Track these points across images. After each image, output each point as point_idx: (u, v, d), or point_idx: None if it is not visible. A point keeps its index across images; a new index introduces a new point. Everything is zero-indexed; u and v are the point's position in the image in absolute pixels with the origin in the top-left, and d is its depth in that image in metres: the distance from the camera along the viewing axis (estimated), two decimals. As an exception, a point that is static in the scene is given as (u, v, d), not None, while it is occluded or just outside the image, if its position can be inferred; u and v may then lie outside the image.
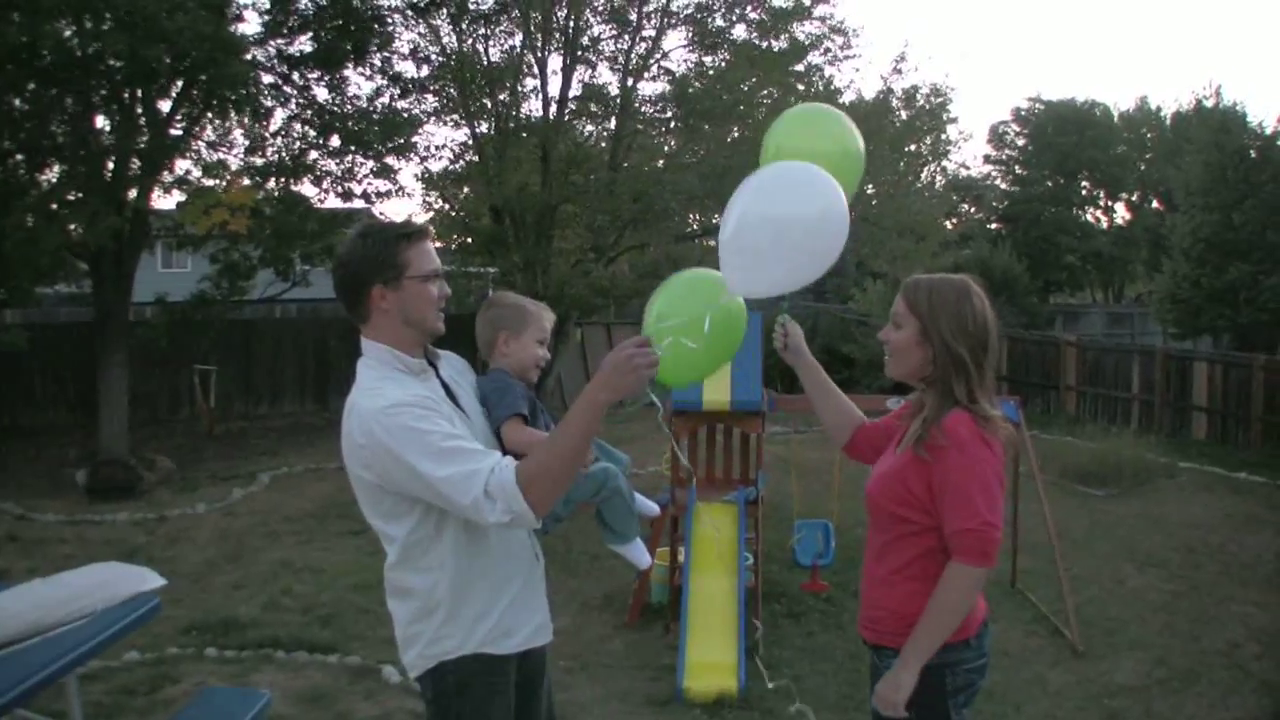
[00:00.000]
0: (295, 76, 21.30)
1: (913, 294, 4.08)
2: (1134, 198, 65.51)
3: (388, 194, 22.70)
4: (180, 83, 18.76)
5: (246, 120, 20.82)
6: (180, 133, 19.83)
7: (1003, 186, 62.91)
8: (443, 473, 3.53)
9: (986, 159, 63.89)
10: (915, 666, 3.91)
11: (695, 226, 28.86)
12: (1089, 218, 63.96)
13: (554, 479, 3.56)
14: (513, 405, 4.17)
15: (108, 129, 19.01)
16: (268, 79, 20.92)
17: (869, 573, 4.23)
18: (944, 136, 31.10)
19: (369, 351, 3.91)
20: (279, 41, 20.91)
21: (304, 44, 21.19)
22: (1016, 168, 62.82)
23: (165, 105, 19.37)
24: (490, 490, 3.51)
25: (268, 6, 20.64)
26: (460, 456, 3.57)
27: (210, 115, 20.34)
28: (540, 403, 4.42)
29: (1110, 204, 65.99)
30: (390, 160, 22.35)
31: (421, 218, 29.41)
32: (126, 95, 18.52)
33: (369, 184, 22.31)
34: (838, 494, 12.39)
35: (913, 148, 30.15)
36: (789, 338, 4.49)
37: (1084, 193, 63.42)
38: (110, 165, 18.64)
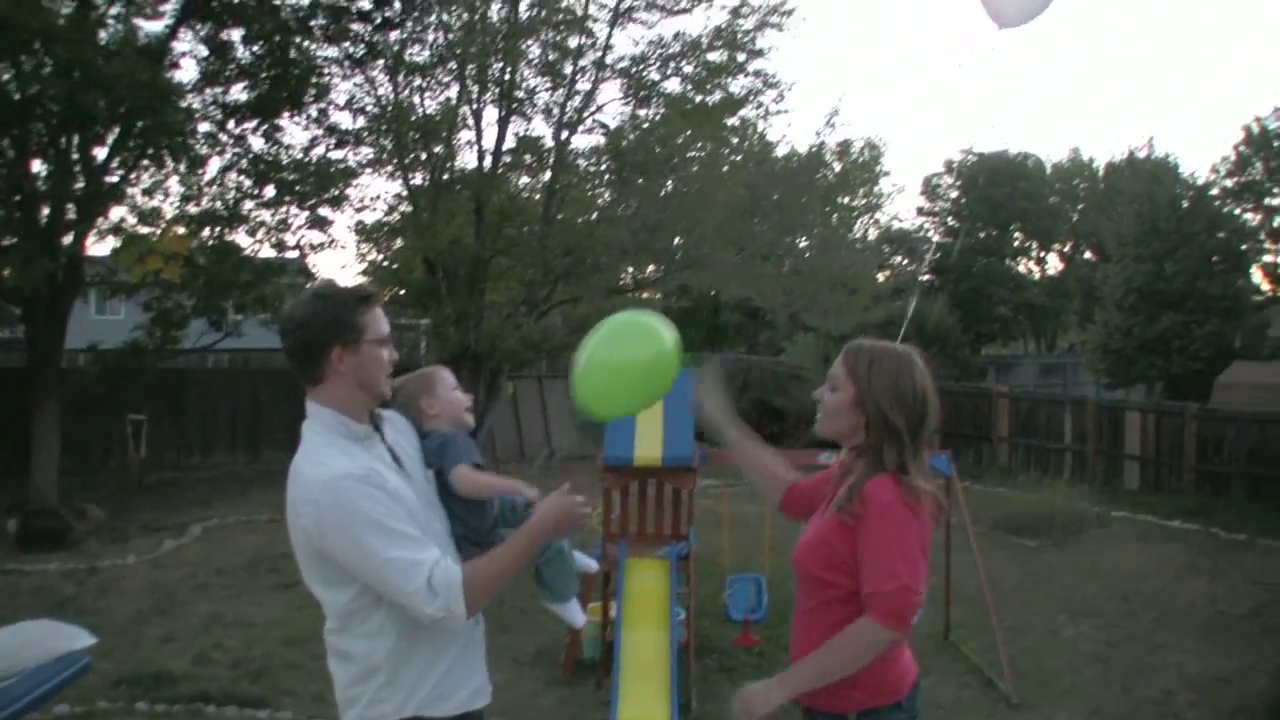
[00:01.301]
0: (231, 125, 21.27)
1: (853, 359, 4.06)
2: (1066, 248, 66.16)
3: (322, 245, 22.68)
4: (117, 129, 18.68)
5: (182, 168, 20.72)
6: (116, 179, 19.72)
7: (935, 238, 63.35)
8: (390, 554, 3.54)
9: (920, 211, 64.41)
10: (789, 691, 3.92)
11: (628, 280, 28.86)
12: (1021, 268, 64.49)
13: (491, 592, 3.73)
14: (458, 456, 4.16)
15: (44, 174, 18.93)
16: (204, 127, 20.91)
17: (798, 637, 4.15)
18: (877, 189, 31.30)
19: (315, 415, 3.86)
20: (215, 90, 20.91)
21: (240, 92, 21.21)
22: (949, 219, 63.28)
23: (101, 151, 19.27)
24: (434, 584, 3.55)
25: (205, 54, 20.64)
26: (407, 542, 3.58)
27: (146, 162, 20.23)
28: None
29: (1043, 255, 66.60)
30: (324, 211, 22.35)
31: (355, 269, 29.39)
32: (63, 140, 18.45)
33: (303, 235, 22.30)
34: (769, 548, 12.36)
35: (845, 200, 30.28)
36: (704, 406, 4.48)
37: (1016, 244, 63.96)
38: (45, 210, 18.56)
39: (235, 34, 20.75)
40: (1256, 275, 48.92)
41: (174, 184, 21.41)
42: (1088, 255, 62.70)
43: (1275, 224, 51.84)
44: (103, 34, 18.74)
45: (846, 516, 3.87)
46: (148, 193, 21.16)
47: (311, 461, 3.71)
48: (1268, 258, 52.25)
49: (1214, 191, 46.45)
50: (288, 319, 3.92)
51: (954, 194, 63.60)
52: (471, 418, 4.49)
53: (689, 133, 24.75)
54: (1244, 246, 41.33)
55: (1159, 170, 41.23)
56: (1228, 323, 34.91)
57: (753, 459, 4.67)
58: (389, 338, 3.92)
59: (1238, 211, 48.84)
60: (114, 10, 19.33)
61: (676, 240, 25.53)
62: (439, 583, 3.55)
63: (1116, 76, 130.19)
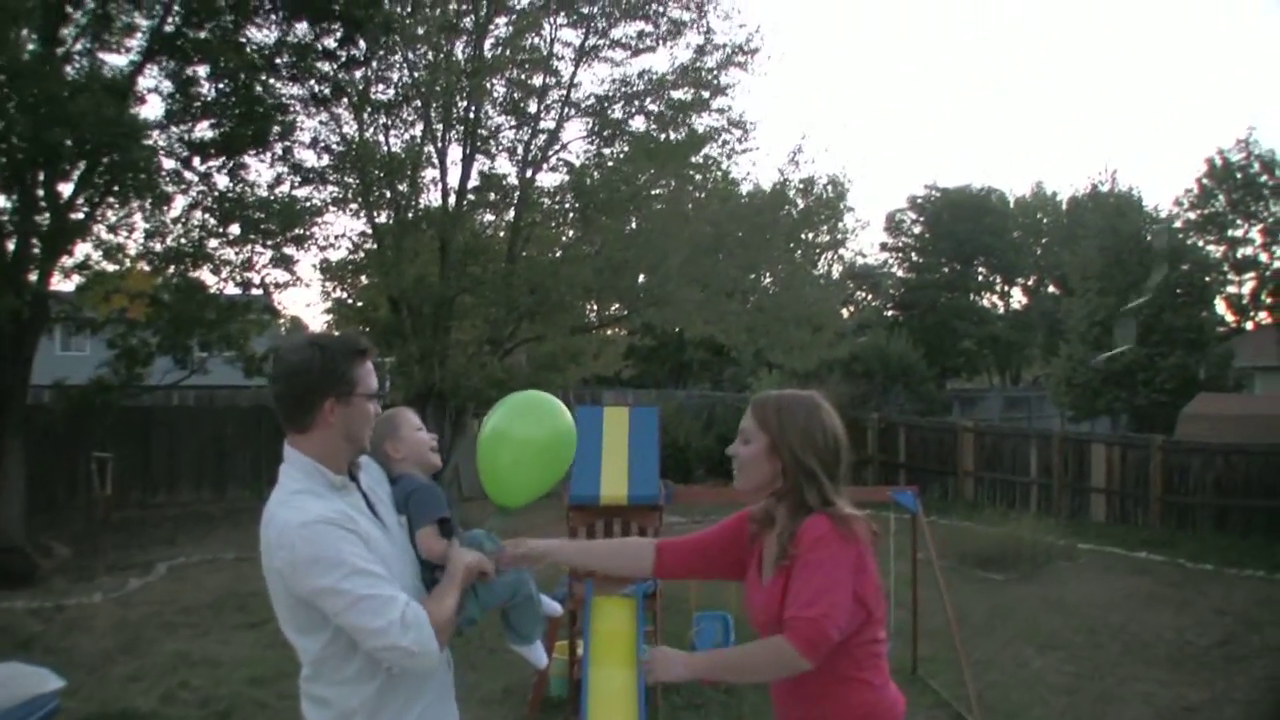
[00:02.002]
0: (196, 162, 21.25)
1: (761, 410, 4.11)
2: (1030, 282, 66.40)
3: (286, 284, 22.68)
4: (83, 165, 18.66)
5: (147, 205, 20.70)
6: (82, 216, 19.69)
7: (899, 273, 63.53)
8: (362, 592, 3.56)
9: (883, 246, 64.64)
10: (696, 672, 4.02)
11: (592, 318, 28.89)
12: (985, 303, 64.72)
13: (450, 627, 3.85)
14: (431, 512, 4.17)
15: (9, 209, 18.87)
16: (169, 164, 20.87)
17: (779, 693, 4.18)
18: (841, 225, 31.31)
19: (293, 462, 3.84)
20: (181, 127, 20.91)
21: (205, 130, 21.22)
22: (913, 255, 63.49)
23: (67, 187, 19.22)
24: (407, 619, 3.58)
25: (171, 90, 20.63)
26: (378, 582, 3.61)
27: (112, 199, 20.21)
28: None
29: (1006, 289, 66.85)
30: (289, 250, 22.36)
31: (320, 307, 29.36)
32: (29, 176, 18.37)
33: (267, 273, 22.30)
34: (735, 586, 12.35)
35: (810, 236, 30.31)
36: (527, 558, 4.47)
37: (980, 278, 64.19)
38: (10, 246, 18.53)
39: (201, 70, 20.79)
40: (1220, 306, 49.27)
41: (139, 221, 21.43)
42: (1051, 289, 62.93)
43: (1238, 255, 52.23)
44: (69, 69, 18.75)
45: (785, 561, 3.90)
46: (113, 229, 21.14)
47: (286, 506, 3.70)
48: (1231, 289, 52.66)
49: (1177, 224, 46.79)
50: (280, 365, 3.94)
51: (917, 229, 63.81)
52: (437, 457, 4.50)
53: (653, 171, 24.79)
54: (1207, 278, 41.53)
55: (1122, 204, 41.35)
56: (1192, 354, 35.06)
57: (591, 552, 4.71)
58: (377, 392, 3.96)
59: (1201, 243, 49.18)
60: (79, 45, 19.37)
61: (640, 278, 25.55)
62: (411, 619, 3.58)
63: (1080, 110, 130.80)
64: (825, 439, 4.02)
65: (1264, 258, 52.78)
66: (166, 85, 20.72)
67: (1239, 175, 52.33)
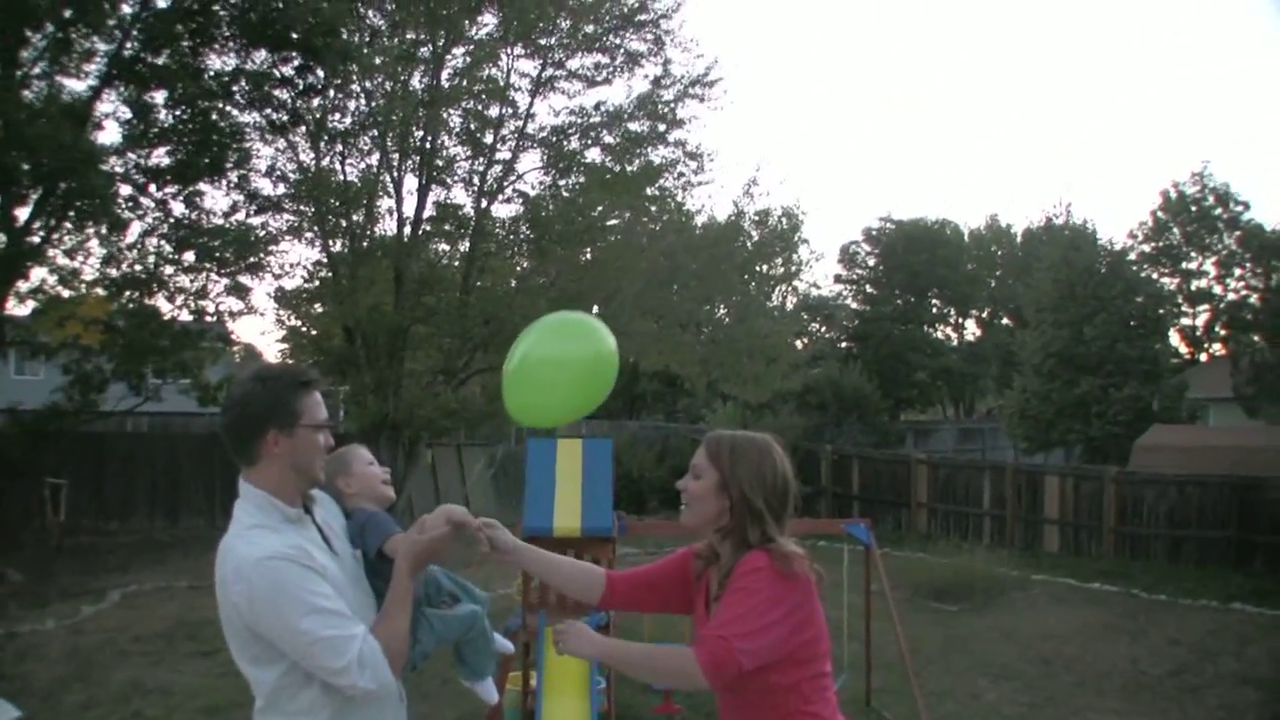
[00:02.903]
0: (153, 189, 21.23)
1: (714, 447, 4.13)
2: (984, 314, 66.63)
3: (241, 313, 22.64)
4: (40, 190, 18.61)
5: (104, 231, 20.67)
6: (38, 240, 19.64)
7: (853, 305, 63.68)
8: (321, 633, 3.55)
9: (837, 278, 64.74)
10: (602, 655, 4.10)
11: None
12: (939, 335, 64.92)
13: (404, 648, 3.85)
14: (381, 531, 4.18)
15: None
16: (125, 190, 20.88)
17: None
18: (795, 257, 31.40)
19: (247, 496, 3.82)
20: (138, 153, 20.86)
21: (162, 157, 21.17)
22: (867, 287, 63.66)
23: (23, 212, 19.20)
24: (363, 658, 3.59)
25: (129, 117, 20.60)
26: (336, 620, 3.60)
27: (68, 224, 20.17)
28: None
29: (960, 321, 67.07)
30: (244, 278, 22.36)
31: (275, 335, 29.28)
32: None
33: (222, 302, 22.27)
34: (689, 618, 12.31)
35: (764, 268, 30.39)
36: (493, 541, 4.45)
37: (934, 310, 64.41)
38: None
39: (159, 96, 20.77)
40: (1175, 338, 49.54)
41: (95, 246, 21.39)
42: (1005, 321, 63.21)
43: (1192, 288, 52.53)
44: (27, 93, 18.72)
45: (725, 594, 3.90)
46: (69, 254, 21.10)
47: (241, 540, 3.68)
48: (1185, 320, 52.95)
49: (1132, 256, 47.06)
50: (227, 398, 3.95)
51: (872, 261, 63.99)
52: (390, 490, 4.49)
53: (608, 202, 24.84)
54: (1161, 310, 41.75)
55: (1077, 236, 41.58)
56: (1146, 386, 35.23)
57: (555, 568, 4.67)
58: (326, 423, 3.94)
59: (1155, 276, 49.46)
60: (38, 69, 19.32)
61: (595, 309, 25.61)
62: (367, 657, 3.59)
63: (1035, 142, 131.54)
64: (775, 480, 4.04)
65: (1218, 290, 53.11)
66: (124, 111, 20.80)
67: (1194, 208, 52.68)
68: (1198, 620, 17.42)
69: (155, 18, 20.15)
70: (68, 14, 18.67)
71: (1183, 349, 52.23)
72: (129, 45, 20.14)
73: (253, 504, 3.79)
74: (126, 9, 20.05)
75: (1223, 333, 51.20)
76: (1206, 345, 53.82)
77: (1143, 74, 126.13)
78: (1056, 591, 19.68)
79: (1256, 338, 37.43)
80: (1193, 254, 53.29)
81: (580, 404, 4.83)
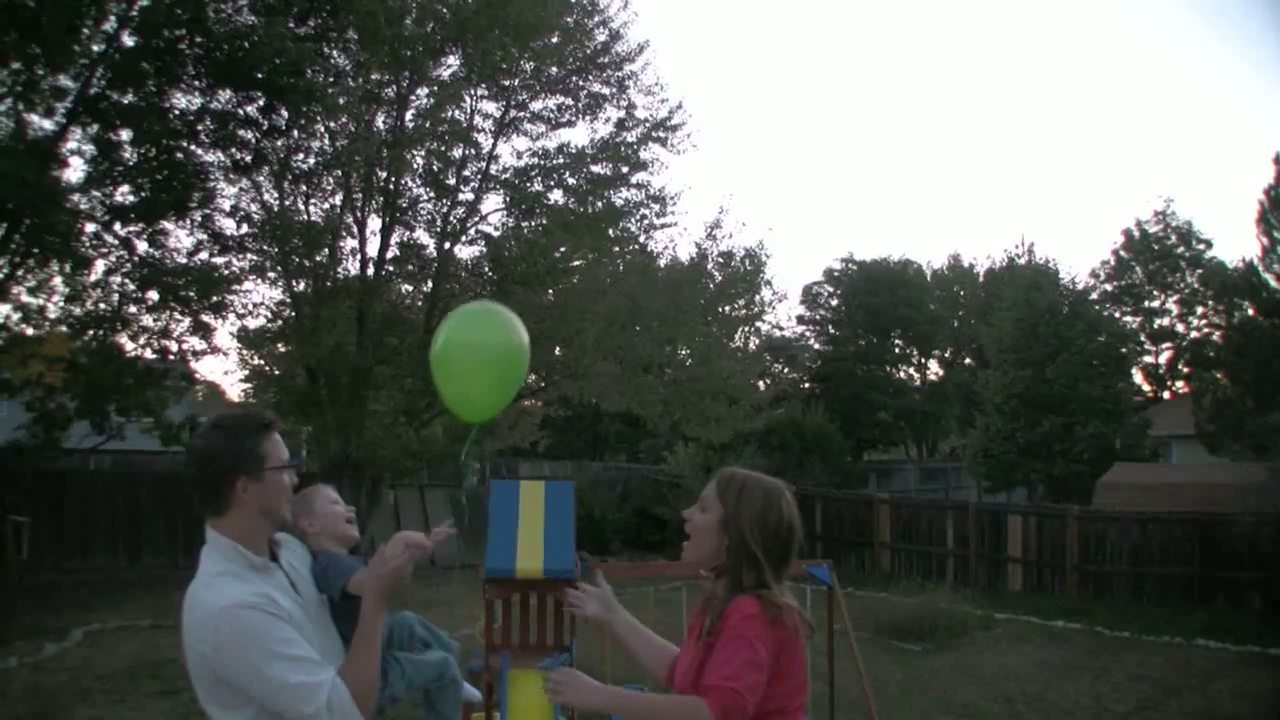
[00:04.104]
0: (117, 227, 21.19)
1: (725, 485, 4.16)
2: (946, 354, 66.81)
3: (204, 352, 22.62)
4: (2, 227, 18.58)
5: (67, 269, 20.65)
6: (1, 277, 19.59)
7: (816, 346, 63.78)
8: (290, 679, 3.56)
9: (800, 319, 64.81)
10: (606, 705, 4.11)
11: (509, 390, 28.92)
12: (902, 375, 65.06)
13: (373, 688, 3.85)
14: (344, 572, 4.21)
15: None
16: (90, 228, 20.81)
17: None
18: (758, 298, 31.48)
19: (214, 544, 3.83)
20: (102, 191, 20.84)
21: (127, 194, 21.14)
22: (830, 327, 63.78)
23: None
24: (332, 704, 3.60)
25: (93, 154, 20.59)
26: (304, 666, 3.61)
27: (31, 262, 20.13)
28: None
29: (923, 361, 67.23)
30: (207, 318, 22.32)
31: (238, 375, 29.23)
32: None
33: (185, 341, 22.22)
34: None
35: (726, 309, 30.47)
36: (595, 599, 4.47)
37: (897, 350, 64.56)
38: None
39: (124, 134, 20.75)
40: (1137, 377, 49.81)
41: (59, 284, 21.37)
42: (967, 361, 63.37)
43: (1154, 326, 52.85)
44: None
45: (709, 638, 3.92)
46: (32, 292, 21.09)
47: (208, 589, 3.69)
48: (1148, 359, 53.25)
49: (1094, 296, 47.33)
50: (189, 452, 3.95)
51: (834, 302, 64.12)
52: (354, 529, 4.50)
53: (570, 244, 24.89)
54: (1124, 349, 41.95)
55: (1039, 276, 41.89)
56: (1109, 424, 35.35)
57: (645, 636, 4.70)
58: (290, 463, 3.95)
59: (1117, 315, 49.74)
60: (3, 106, 19.31)
61: (557, 350, 25.63)
62: (336, 702, 3.60)
63: (998, 181, 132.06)
64: (779, 528, 4.06)
65: (1180, 328, 53.46)
66: (89, 148, 20.73)
67: (1156, 247, 53.05)
68: (1161, 657, 17.51)
69: (122, 56, 20.17)
70: (34, 50, 18.67)
71: (1145, 387, 52.50)
72: (95, 83, 20.15)
73: (219, 552, 3.80)
74: (94, 47, 20.07)
75: (1185, 371, 51.48)
76: (1169, 383, 54.13)
77: (1104, 111, 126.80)
78: (1019, 630, 19.74)
79: (1218, 375, 37.58)
80: (1155, 293, 53.63)
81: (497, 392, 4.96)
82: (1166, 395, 52.71)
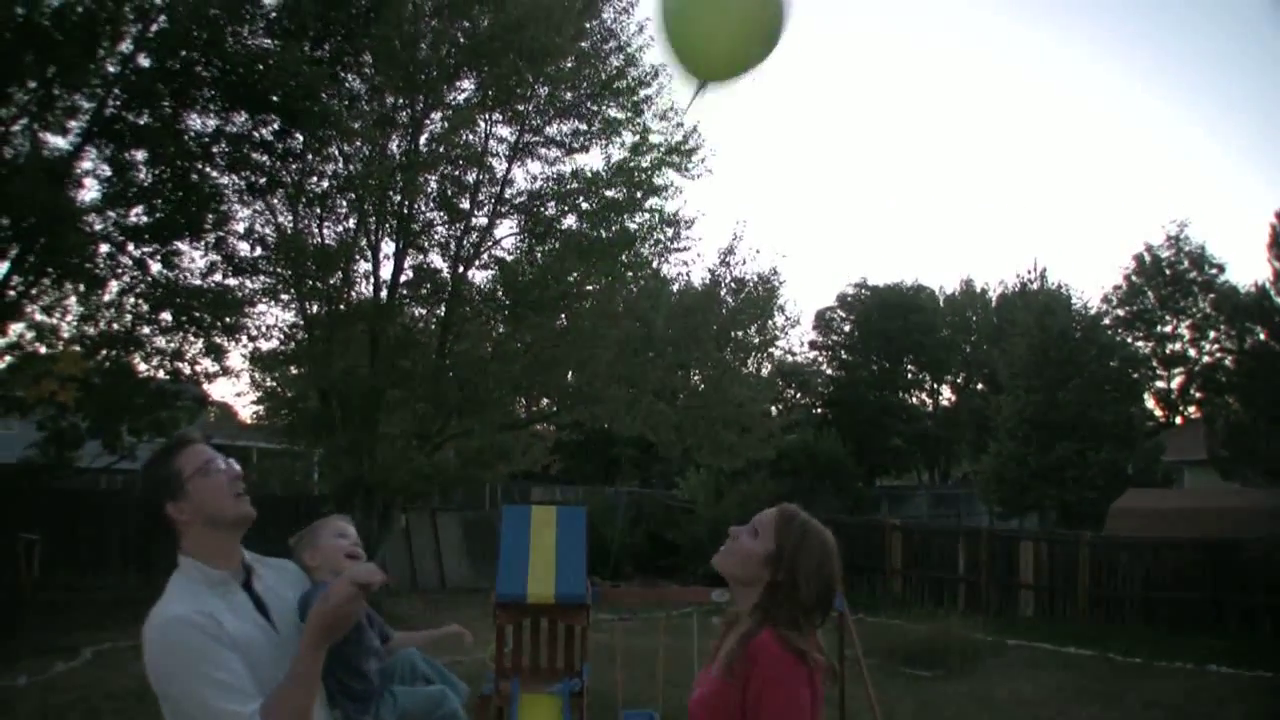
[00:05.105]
0: (131, 248, 21.25)
1: (786, 523, 4.11)
2: (959, 379, 66.72)
3: (217, 374, 22.68)
4: (17, 247, 18.64)
5: (81, 289, 20.71)
6: (15, 295, 19.65)
7: (828, 371, 63.73)
8: (215, 704, 3.52)
9: (813, 344, 64.73)
10: None
11: (522, 414, 28.93)
12: (914, 400, 64.98)
13: None
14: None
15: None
16: (104, 248, 20.89)
17: None
18: (771, 323, 31.46)
19: (180, 563, 3.85)
20: (117, 211, 20.90)
21: (141, 215, 21.20)
22: (843, 353, 63.73)
23: (1, 267, 19.20)
24: None
25: (108, 175, 20.66)
26: (231, 693, 3.55)
27: (46, 281, 20.20)
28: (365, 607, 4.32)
29: (935, 386, 67.13)
30: (220, 339, 22.35)
31: (250, 397, 29.21)
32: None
33: (198, 362, 22.27)
34: (663, 682, 12.28)
35: (739, 335, 30.46)
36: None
37: (909, 376, 64.49)
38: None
39: (139, 155, 20.82)
40: (1149, 401, 49.76)
41: (73, 303, 21.44)
42: (980, 386, 63.26)
43: (1167, 351, 52.79)
44: (7, 149, 18.79)
45: (730, 675, 3.89)
46: (46, 311, 21.13)
47: (161, 603, 3.70)
48: (1160, 384, 53.18)
49: (1106, 320, 47.28)
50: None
51: (847, 328, 64.09)
52: (352, 563, 4.39)
53: (584, 269, 24.91)
54: (1136, 374, 41.95)
55: (1051, 301, 41.79)
56: (1121, 449, 35.33)
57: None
58: (210, 461, 3.90)
59: (1129, 340, 49.68)
60: (19, 125, 19.37)
61: (570, 375, 25.65)
62: None
63: (1010, 204, 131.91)
64: (830, 584, 4.09)
65: (1192, 353, 53.39)
66: (104, 169, 20.79)
67: (1168, 271, 52.97)
68: (1174, 683, 17.46)
69: (138, 76, 20.24)
70: (51, 71, 18.75)
71: (1157, 412, 52.43)
72: (111, 103, 20.22)
73: (182, 570, 3.82)
74: (110, 67, 20.15)
75: (1197, 395, 51.40)
76: (1181, 408, 54.04)
77: (1117, 135, 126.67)
78: (1031, 656, 19.71)
79: (1230, 400, 37.54)
80: (1167, 317, 53.55)
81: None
82: (1178, 420, 52.64)
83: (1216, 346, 51.67)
